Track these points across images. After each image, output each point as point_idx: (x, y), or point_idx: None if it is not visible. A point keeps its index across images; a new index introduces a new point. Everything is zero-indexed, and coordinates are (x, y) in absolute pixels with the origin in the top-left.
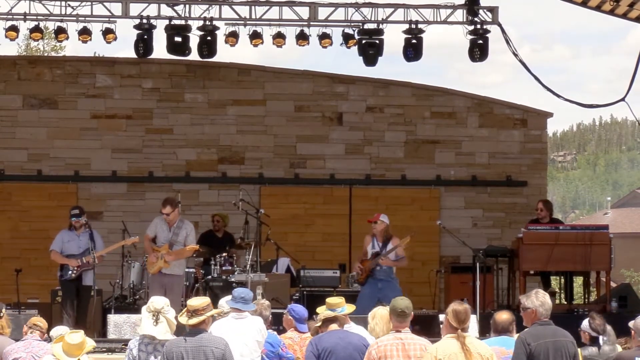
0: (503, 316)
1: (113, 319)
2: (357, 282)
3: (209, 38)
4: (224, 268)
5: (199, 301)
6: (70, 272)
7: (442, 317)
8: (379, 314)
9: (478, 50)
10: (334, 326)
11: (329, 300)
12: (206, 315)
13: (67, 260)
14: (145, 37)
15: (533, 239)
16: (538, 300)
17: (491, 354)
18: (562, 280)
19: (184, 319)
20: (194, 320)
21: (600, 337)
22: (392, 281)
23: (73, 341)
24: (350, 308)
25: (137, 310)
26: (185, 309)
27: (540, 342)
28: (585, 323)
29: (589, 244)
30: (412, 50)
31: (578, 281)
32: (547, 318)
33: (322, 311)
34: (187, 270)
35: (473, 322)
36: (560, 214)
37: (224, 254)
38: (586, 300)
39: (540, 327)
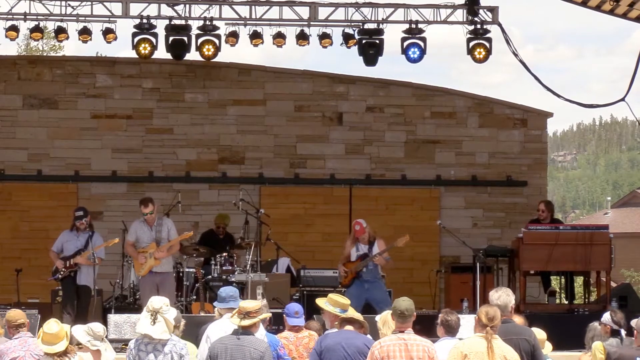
0: None
1: (113, 319)
2: (342, 284)
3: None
4: (224, 268)
5: (252, 304)
6: (57, 274)
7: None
8: (389, 319)
9: (482, 50)
10: (349, 327)
11: (336, 298)
12: (259, 318)
13: (56, 261)
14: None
15: (533, 239)
16: (492, 299)
17: (516, 359)
18: (562, 280)
19: (235, 320)
20: (247, 322)
21: (622, 331)
22: (378, 281)
23: (50, 330)
24: (352, 311)
25: (137, 310)
26: (237, 310)
27: None
28: (607, 316)
29: (589, 244)
30: (417, 49)
31: (578, 281)
32: (505, 316)
33: (323, 304)
34: (187, 270)
35: (472, 322)
36: (560, 214)
37: (224, 254)
38: (586, 300)
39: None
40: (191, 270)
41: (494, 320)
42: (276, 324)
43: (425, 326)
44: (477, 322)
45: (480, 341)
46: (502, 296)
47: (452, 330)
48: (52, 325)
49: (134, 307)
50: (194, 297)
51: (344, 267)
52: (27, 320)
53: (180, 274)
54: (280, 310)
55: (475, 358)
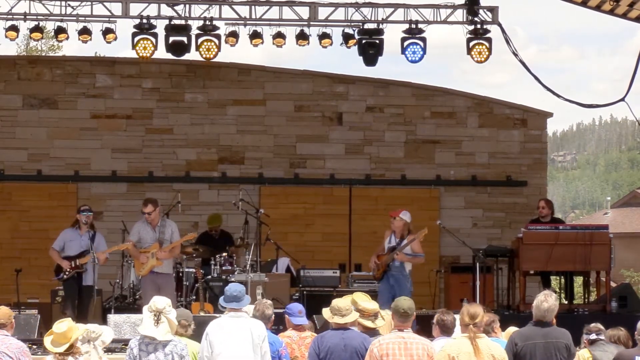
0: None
1: (113, 319)
2: (375, 278)
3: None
4: (224, 268)
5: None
6: (62, 274)
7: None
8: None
9: (482, 50)
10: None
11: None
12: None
13: (61, 261)
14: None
15: (533, 238)
16: (537, 300)
17: (504, 357)
18: (562, 280)
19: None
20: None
21: None
22: (403, 278)
23: (59, 330)
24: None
25: (137, 310)
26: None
27: (528, 343)
28: None
29: (589, 244)
30: (417, 49)
31: (578, 281)
32: (545, 319)
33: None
34: (187, 270)
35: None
36: (560, 214)
37: (224, 254)
38: (586, 300)
39: (535, 328)
40: (191, 270)
41: (475, 318)
42: (276, 324)
43: (425, 326)
44: (461, 322)
45: (465, 341)
46: (551, 305)
47: (447, 330)
48: (62, 324)
49: (134, 307)
50: (194, 297)
51: (376, 259)
52: (11, 321)
53: (180, 274)
54: (280, 311)
55: (463, 358)
